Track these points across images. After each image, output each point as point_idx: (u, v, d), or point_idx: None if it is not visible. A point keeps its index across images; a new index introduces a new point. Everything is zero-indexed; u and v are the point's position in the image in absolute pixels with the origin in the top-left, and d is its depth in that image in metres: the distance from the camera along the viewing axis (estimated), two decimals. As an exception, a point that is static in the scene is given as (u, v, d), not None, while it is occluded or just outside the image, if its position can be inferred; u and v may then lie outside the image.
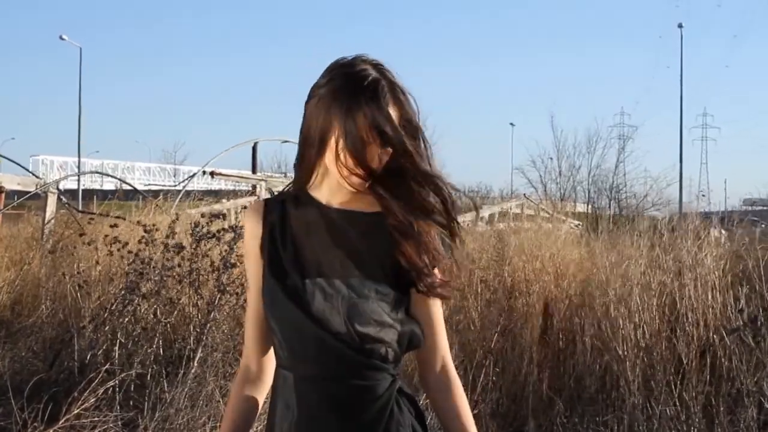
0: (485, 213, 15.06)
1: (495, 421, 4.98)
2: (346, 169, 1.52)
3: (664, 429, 4.53)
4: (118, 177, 26.45)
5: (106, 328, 5.18)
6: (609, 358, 5.17)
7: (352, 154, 1.50)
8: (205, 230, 5.23)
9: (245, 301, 5.23)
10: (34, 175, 14.07)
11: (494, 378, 5.29)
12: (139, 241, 5.33)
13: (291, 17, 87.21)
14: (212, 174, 14.93)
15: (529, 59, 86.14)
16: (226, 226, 5.34)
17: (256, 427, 3.01)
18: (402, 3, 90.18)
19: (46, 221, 10.14)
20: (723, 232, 7.82)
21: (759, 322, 4.66)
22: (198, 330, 5.06)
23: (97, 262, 6.35)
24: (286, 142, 19.22)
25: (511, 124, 50.31)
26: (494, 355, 5.64)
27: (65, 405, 4.01)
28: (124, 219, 7.83)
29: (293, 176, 1.67)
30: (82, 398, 3.97)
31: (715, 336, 4.96)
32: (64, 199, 11.21)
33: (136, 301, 5.15)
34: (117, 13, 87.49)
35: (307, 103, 1.58)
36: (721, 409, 4.52)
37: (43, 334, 6.25)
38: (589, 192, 27.72)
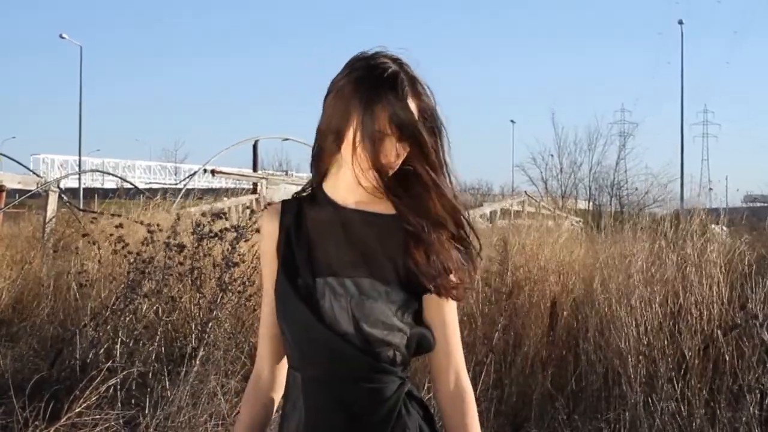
0: (486, 210, 15.07)
1: (497, 419, 4.98)
2: (364, 162, 1.50)
3: (665, 425, 4.52)
4: (119, 175, 26.46)
5: (108, 326, 5.18)
6: (611, 354, 5.16)
7: (370, 146, 1.49)
8: (206, 229, 5.22)
9: (247, 299, 5.26)
10: (34, 173, 14.09)
11: (495, 373, 5.28)
12: (142, 243, 5.32)
13: (291, 17, 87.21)
14: (213, 172, 14.95)
15: (530, 58, 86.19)
16: (227, 225, 5.33)
17: None
18: (402, 3, 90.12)
19: (47, 220, 10.15)
20: (725, 228, 7.81)
21: (761, 318, 4.65)
22: (200, 328, 5.05)
23: (100, 261, 6.35)
24: (286, 140, 19.23)
25: (512, 121, 50.38)
26: (496, 354, 5.64)
27: (67, 403, 4.02)
28: (127, 218, 7.83)
29: (312, 172, 1.65)
30: (83, 396, 3.97)
31: (717, 332, 4.95)
32: (65, 198, 11.22)
33: (137, 299, 5.14)
34: (117, 12, 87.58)
35: (326, 97, 1.57)
36: (723, 405, 4.51)
37: (45, 333, 6.26)
38: (590, 189, 27.76)
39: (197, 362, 4.75)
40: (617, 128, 32.64)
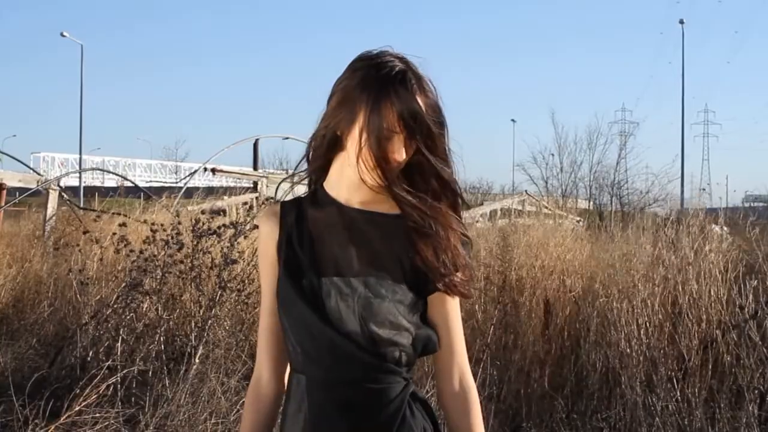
0: (486, 209, 15.06)
1: (497, 417, 4.98)
2: (370, 161, 1.49)
3: (665, 425, 4.52)
4: (120, 174, 26.46)
5: (108, 324, 5.18)
6: (611, 354, 5.16)
7: (377, 145, 1.48)
8: (206, 227, 5.23)
9: (246, 297, 5.27)
10: (35, 172, 14.07)
11: (493, 371, 5.28)
12: (144, 241, 5.33)
13: (292, 17, 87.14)
14: (213, 171, 14.94)
15: (531, 57, 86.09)
16: (227, 223, 5.34)
17: None
18: (402, 3, 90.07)
19: (47, 218, 10.15)
20: (725, 228, 7.79)
21: (761, 317, 4.65)
22: (199, 327, 5.05)
23: (101, 260, 6.35)
24: (287, 138, 19.24)
25: (513, 120, 50.40)
26: (494, 350, 5.64)
27: (67, 402, 4.02)
28: (128, 217, 7.83)
29: (309, 171, 1.64)
30: (83, 395, 3.97)
31: (717, 331, 4.95)
32: (65, 196, 11.22)
33: (138, 298, 5.15)
34: (118, 11, 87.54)
35: (330, 97, 1.56)
36: (723, 404, 4.51)
37: (45, 331, 6.26)
38: (590, 188, 27.71)
39: (197, 361, 4.76)
40: (618, 128, 32.63)
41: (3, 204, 10.92)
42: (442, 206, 1.56)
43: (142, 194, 11.96)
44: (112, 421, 4.07)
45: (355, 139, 1.50)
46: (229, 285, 5.08)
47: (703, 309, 5.01)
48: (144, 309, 5.27)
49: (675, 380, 4.66)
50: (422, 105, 1.50)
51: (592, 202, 26.21)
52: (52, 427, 3.83)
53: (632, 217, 7.36)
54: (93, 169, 39.51)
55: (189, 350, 4.92)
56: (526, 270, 6.44)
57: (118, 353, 4.89)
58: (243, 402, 4.69)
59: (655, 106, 77.15)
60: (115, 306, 5.17)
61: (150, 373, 4.77)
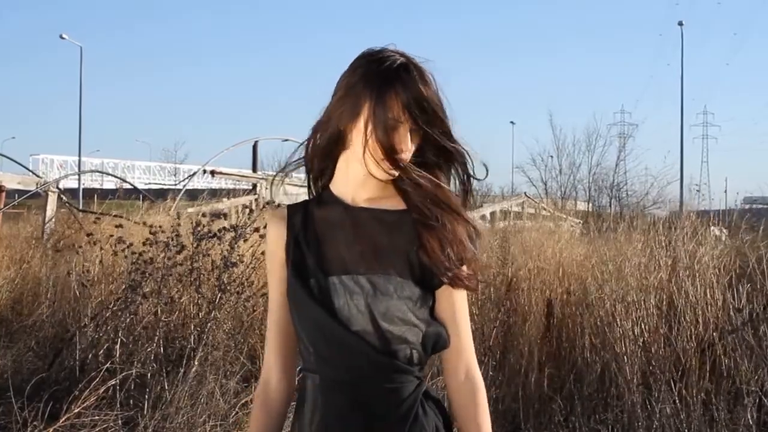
0: (486, 211, 15.07)
1: (495, 418, 4.98)
2: (378, 153, 1.50)
3: (663, 427, 4.52)
4: (119, 176, 26.46)
5: (107, 326, 5.18)
6: (608, 356, 5.17)
7: (384, 135, 1.49)
8: (206, 230, 5.23)
9: (246, 299, 5.27)
10: (34, 174, 14.09)
11: (492, 373, 5.28)
12: (144, 243, 5.33)
13: (292, 17, 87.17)
14: (212, 173, 14.92)
15: (530, 58, 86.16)
16: (227, 225, 5.34)
17: None
18: (402, 3, 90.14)
19: (46, 220, 10.16)
20: (724, 230, 7.80)
21: (757, 320, 4.66)
22: (199, 329, 5.06)
23: (101, 262, 6.35)
24: (286, 140, 19.19)
25: (512, 122, 50.38)
26: (493, 352, 5.64)
27: (65, 404, 4.02)
28: (128, 219, 7.84)
29: (309, 174, 1.65)
30: (82, 397, 3.97)
31: (714, 334, 4.96)
32: (64, 198, 11.22)
33: (137, 300, 5.15)
34: (118, 12, 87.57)
35: (332, 96, 1.57)
36: (721, 407, 4.51)
37: (44, 333, 6.26)
38: (589, 190, 27.74)
39: (196, 363, 4.76)
40: (617, 129, 32.67)
41: (2, 206, 10.92)
42: (452, 195, 1.57)
43: (141, 196, 11.96)
44: (111, 424, 4.08)
45: (360, 132, 1.51)
46: (228, 287, 5.09)
47: (700, 311, 5.02)
48: (143, 311, 5.28)
49: (673, 382, 4.67)
50: (425, 94, 1.52)
51: (591, 204, 26.23)
52: (51, 430, 3.83)
53: (632, 220, 7.35)
54: (92, 171, 39.55)
55: (188, 352, 4.92)
56: (525, 272, 6.44)
57: (117, 355, 4.89)
58: (242, 403, 4.69)
59: (654, 107, 77.17)
60: (115, 308, 5.18)
61: (149, 375, 4.77)
